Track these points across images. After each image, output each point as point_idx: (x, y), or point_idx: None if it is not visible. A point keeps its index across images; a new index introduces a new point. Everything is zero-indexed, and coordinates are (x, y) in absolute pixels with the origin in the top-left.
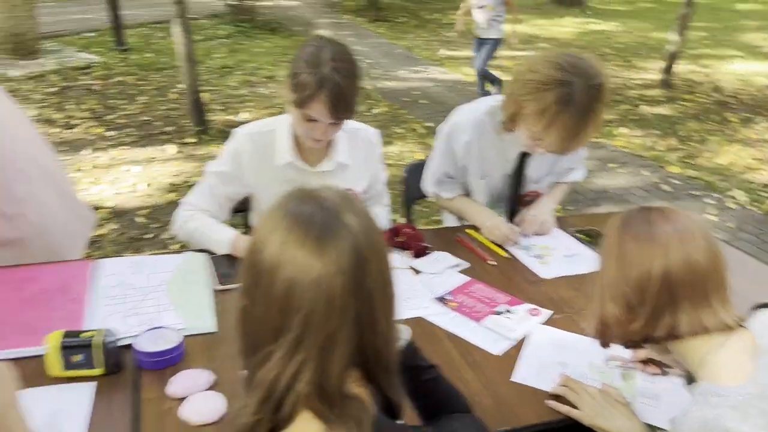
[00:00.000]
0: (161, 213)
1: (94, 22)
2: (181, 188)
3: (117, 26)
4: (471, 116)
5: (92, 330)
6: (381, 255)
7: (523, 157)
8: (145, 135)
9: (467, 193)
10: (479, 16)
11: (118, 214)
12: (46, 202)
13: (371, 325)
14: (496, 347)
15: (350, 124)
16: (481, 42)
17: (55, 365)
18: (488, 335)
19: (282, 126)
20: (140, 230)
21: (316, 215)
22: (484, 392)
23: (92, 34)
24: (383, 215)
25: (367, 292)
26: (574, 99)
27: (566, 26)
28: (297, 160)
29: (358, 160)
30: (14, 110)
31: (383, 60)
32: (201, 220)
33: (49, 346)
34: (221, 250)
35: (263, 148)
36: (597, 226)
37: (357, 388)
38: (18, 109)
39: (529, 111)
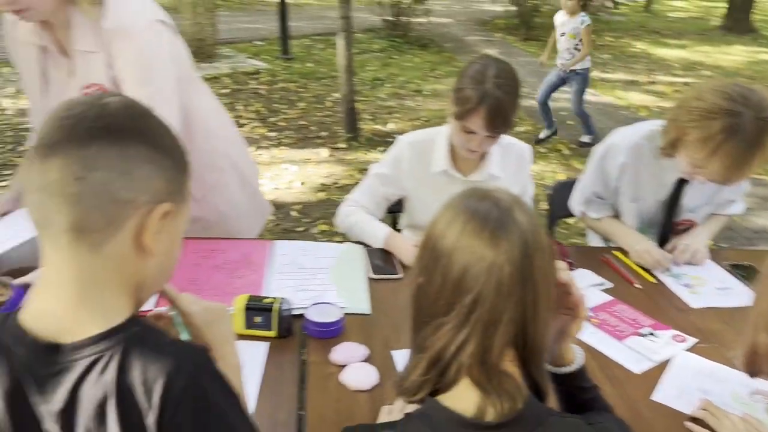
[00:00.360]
0: (312, 209)
1: (264, 31)
2: (331, 189)
3: (284, 36)
4: (629, 139)
5: (271, 297)
6: (546, 251)
7: (681, 184)
8: (302, 138)
9: (616, 215)
10: (561, 45)
11: (275, 206)
12: (231, 192)
13: (532, 313)
14: (638, 366)
15: (504, 139)
16: (564, 77)
17: (239, 323)
18: (630, 354)
19: (441, 136)
20: (293, 223)
21: (492, 212)
22: (623, 407)
23: (262, 43)
24: None
25: (532, 282)
26: (741, 130)
27: (734, 54)
28: (451, 168)
29: (509, 173)
30: (219, 110)
31: (531, 79)
32: (360, 215)
33: (236, 306)
34: (376, 244)
35: (422, 155)
36: (753, 262)
37: (512, 368)
38: (221, 110)
39: (692, 138)
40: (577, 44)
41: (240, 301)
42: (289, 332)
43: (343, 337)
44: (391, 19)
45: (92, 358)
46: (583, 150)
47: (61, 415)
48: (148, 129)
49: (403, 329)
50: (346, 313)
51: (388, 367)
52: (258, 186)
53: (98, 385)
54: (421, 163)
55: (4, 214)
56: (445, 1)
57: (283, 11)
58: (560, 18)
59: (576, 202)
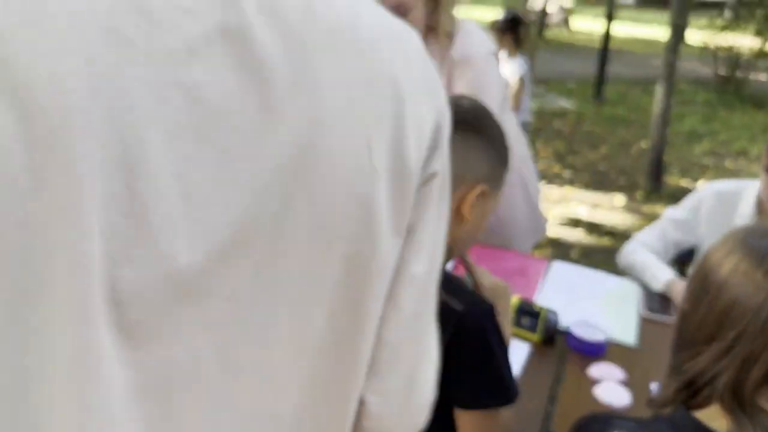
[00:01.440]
0: (593, 254)
1: (581, 73)
2: (617, 237)
3: (600, 79)
4: None
5: (540, 306)
6: None
7: None
8: (598, 182)
9: None
10: None
11: (553, 243)
12: (515, 204)
13: None
14: None
15: None
16: None
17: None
18: None
19: (751, 189)
20: (573, 263)
21: None
22: None
23: (575, 84)
24: None
25: None
26: None
27: None
28: None
29: None
30: (518, 132)
31: None
32: (645, 255)
33: (510, 304)
34: (656, 286)
35: (725, 205)
36: None
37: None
38: (520, 131)
39: None
40: None
41: (514, 300)
42: (552, 341)
43: (603, 358)
44: (725, 75)
45: None
46: None
47: None
48: (486, 126)
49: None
50: (609, 339)
51: (643, 394)
52: (538, 204)
53: None
54: (724, 214)
55: None
56: None
57: (603, 54)
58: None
59: None
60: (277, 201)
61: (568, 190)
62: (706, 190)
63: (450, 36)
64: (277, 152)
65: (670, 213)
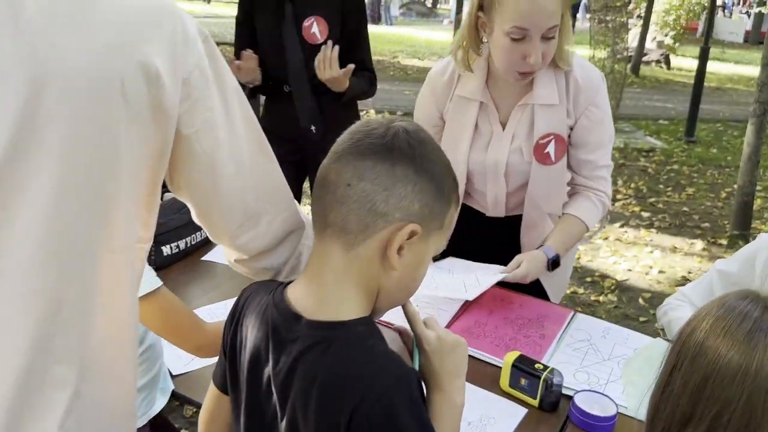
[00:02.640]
0: (662, 302)
1: (673, 111)
2: None
3: (692, 118)
4: None
5: (545, 365)
6: None
7: None
8: (679, 224)
9: None
10: None
11: (621, 288)
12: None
13: None
14: None
15: None
16: None
17: (504, 379)
18: None
19: None
20: (637, 311)
21: (753, 312)
22: None
23: (665, 122)
24: None
25: None
26: None
27: None
28: None
29: None
30: None
31: None
32: (684, 312)
33: (505, 360)
34: None
35: None
36: None
37: None
38: None
39: None
40: None
41: (510, 357)
42: (554, 408)
43: None
44: None
45: (316, 338)
46: None
47: (282, 382)
48: (421, 155)
49: None
50: (622, 413)
51: None
52: (575, 254)
53: (311, 367)
54: None
55: None
56: None
57: (696, 92)
58: None
59: None
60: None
61: (645, 232)
62: (763, 240)
63: (567, 63)
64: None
65: (721, 264)
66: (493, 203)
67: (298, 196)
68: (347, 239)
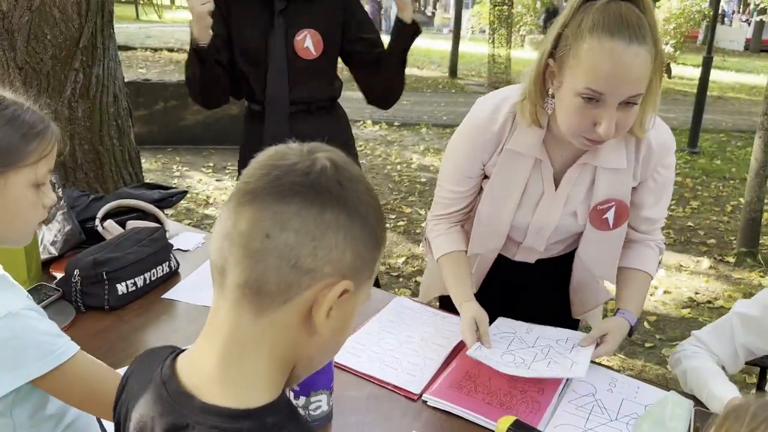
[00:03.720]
0: (669, 326)
1: (674, 122)
2: (701, 307)
3: (695, 128)
4: None
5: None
6: None
7: None
8: (684, 241)
9: None
10: None
11: None
12: None
13: None
14: None
15: None
16: None
17: None
18: None
19: None
20: (642, 335)
21: None
22: None
23: None
24: None
25: None
26: None
27: None
28: None
29: None
30: None
31: None
32: (703, 361)
33: (498, 426)
34: (712, 407)
35: None
36: None
37: None
38: None
39: None
40: None
41: (503, 423)
42: None
43: None
44: None
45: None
46: None
47: None
48: (353, 196)
49: None
50: None
51: None
52: None
53: None
54: None
55: None
56: None
57: (699, 101)
58: None
59: None
60: None
61: None
62: None
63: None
64: None
65: (741, 307)
66: (525, 252)
67: None
68: (261, 303)
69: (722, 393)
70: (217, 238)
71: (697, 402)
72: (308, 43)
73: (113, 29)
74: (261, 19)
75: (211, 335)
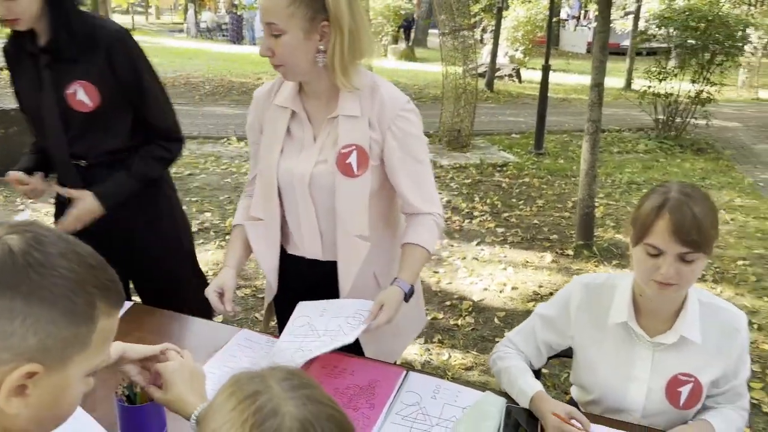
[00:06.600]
0: (517, 319)
1: (523, 125)
2: (544, 299)
3: (539, 130)
4: None
5: None
6: None
7: None
8: (530, 238)
9: None
10: None
11: (478, 309)
12: None
13: None
14: None
15: (710, 298)
16: None
17: None
18: None
19: (624, 284)
20: (492, 331)
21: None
22: None
23: (516, 136)
24: (736, 421)
25: None
26: None
27: None
28: (633, 322)
29: (710, 344)
30: None
31: None
32: (513, 361)
33: None
34: (521, 401)
35: (598, 301)
36: None
37: None
38: None
39: None
40: None
41: None
42: None
43: None
44: (661, 117)
45: None
46: None
47: None
48: (36, 280)
49: None
50: None
51: None
52: (422, 296)
53: None
54: (595, 312)
55: None
56: (741, 103)
57: (541, 104)
58: None
59: None
60: None
61: (499, 249)
62: (575, 282)
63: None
64: None
65: (541, 308)
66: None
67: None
68: None
69: (529, 386)
70: None
71: (510, 399)
72: (81, 95)
73: None
74: (32, 74)
75: None
